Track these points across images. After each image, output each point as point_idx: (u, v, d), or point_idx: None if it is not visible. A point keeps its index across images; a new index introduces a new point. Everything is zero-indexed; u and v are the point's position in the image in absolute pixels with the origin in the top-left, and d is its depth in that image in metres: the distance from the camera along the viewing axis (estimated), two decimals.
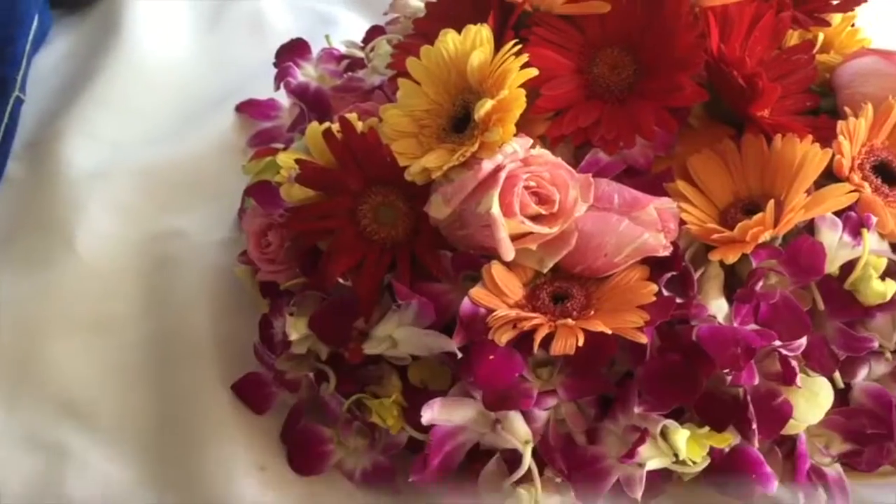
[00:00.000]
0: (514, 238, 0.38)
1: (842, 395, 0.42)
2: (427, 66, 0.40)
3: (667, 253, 0.38)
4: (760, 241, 0.38)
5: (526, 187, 0.37)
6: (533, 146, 0.40)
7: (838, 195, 0.39)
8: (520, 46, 0.39)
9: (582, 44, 0.42)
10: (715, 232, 0.39)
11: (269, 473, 0.41)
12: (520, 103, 0.38)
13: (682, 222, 0.40)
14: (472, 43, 0.39)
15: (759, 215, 0.38)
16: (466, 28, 0.40)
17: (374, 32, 0.54)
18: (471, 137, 0.39)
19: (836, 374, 0.41)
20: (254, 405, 0.43)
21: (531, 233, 0.38)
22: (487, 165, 0.37)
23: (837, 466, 0.41)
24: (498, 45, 0.40)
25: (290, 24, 0.70)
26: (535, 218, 0.38)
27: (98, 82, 0.61)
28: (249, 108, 0.58)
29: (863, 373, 0.42)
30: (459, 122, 0.40)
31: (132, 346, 0.46)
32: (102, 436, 0.42)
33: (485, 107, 0.38)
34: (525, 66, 0.39)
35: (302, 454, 0.41)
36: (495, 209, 0.36)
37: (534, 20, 0.42)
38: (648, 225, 0.38)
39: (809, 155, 0.40)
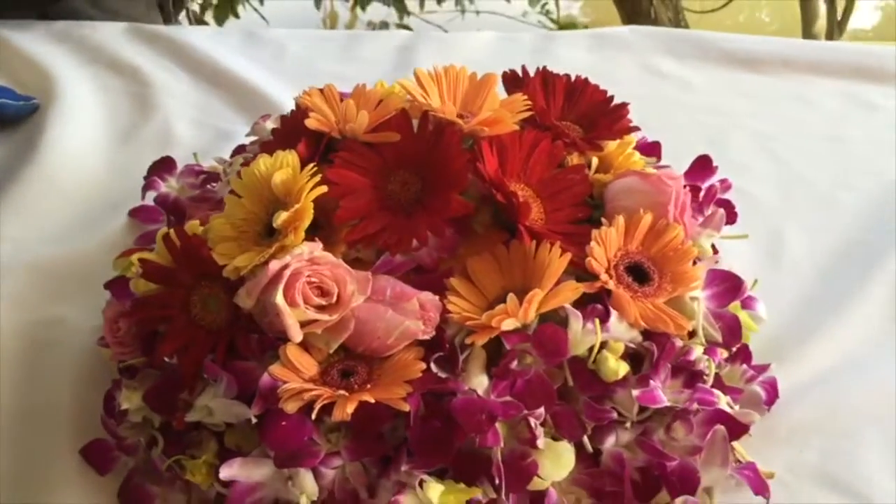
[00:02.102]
0: (304, 324, 0.46)
1: (596, 460, 0.50)
2: (245, 183, 0.50)
3: (427, 337, 0.47)
4: (506, 328, 0.47)
5: (309, 283, 0.46)
6: (336, 250, 0.49)
7: (567, 291, 0.48)
8: (316, 168, 0.48)
9: (380, 165, 0.52)
10: (469, 319, 0.47)
11: None
12: (308, 214, 0.47)
13: (449, 312, 0.48)
14: (279, 164, 0.49)
15: (502, 306, 0.47)
16: (276, 153, 0.49)
17: (238, 151, 0.64)
18: (275, 242, 0.48)
19: (586, 440, 0.49)
20: (98, 467, 0.51)
21: (316, 320, 0.46)
22: (274, 265, 0.45)
23: None
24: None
25: (194, 139, 0.80)
26: (319, 308, 0.46)
27: (12, 190, 0.71)
28: (139, 213, 0.68)
29: (610, 440, 0.49)
30: (273, 229, 0.49)
31: (4, 414, 0.53)
32: None
33: (281, 217, 0.47)
34: (325, 183, 0.48)
35: None
36: (279, 300, 0.45)
37: (341, 146, 0.52)
38: (410, 314, 0.46)
39: (553, 258, 0.49)
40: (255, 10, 2.20)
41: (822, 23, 2.28)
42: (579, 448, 0.49)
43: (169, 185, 0.63)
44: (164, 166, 0.64)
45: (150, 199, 0.68)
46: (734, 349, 0.56)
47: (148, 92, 0.87)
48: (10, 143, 0.78)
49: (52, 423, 0.53)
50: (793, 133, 0.85)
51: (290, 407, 0.45)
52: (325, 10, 2.36)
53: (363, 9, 2.30)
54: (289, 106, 0.85)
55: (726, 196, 0.66)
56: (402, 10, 2.25)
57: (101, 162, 0.77)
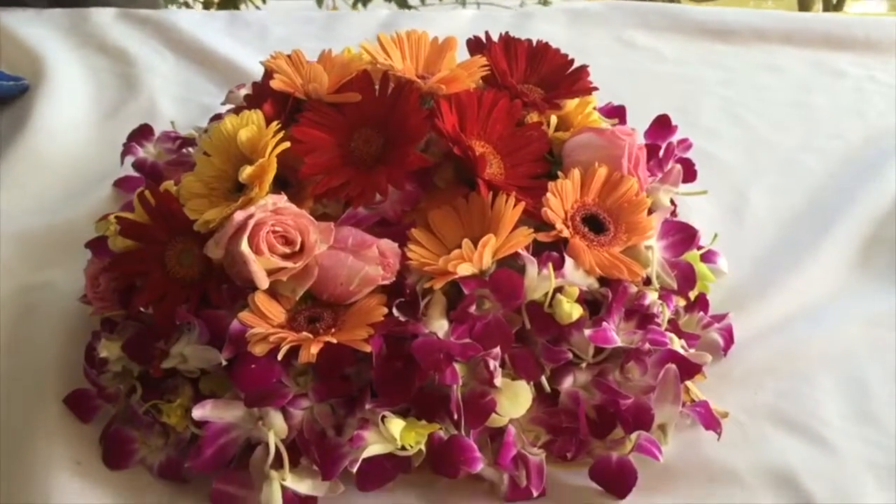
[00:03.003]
0: (270, 272, 0.49)
1: (554, 400, 0.52)
2: (213, 142, 0.52)
3: (387, 282, 0.49)
4: (462, 272, 0.49)
5: (273, 231, 0.48)
6: (304, 205, 0.51)
7: (520, 236, 0.50)
8: (280, 125, 0.51)
9: (343, 124, 0.54)
10: (428, 265, 0.50)
11: (84, 467, 0.50)
12: (272, 167, 0.49)
13: (409, 259, 0.51)
14: (245, 123, 0.51)
15: (458, 251, 0.49)
16: (242, 112, 0.52)
17: (215, 118, 0.67)
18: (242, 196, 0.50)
19: (543, 380, 0.51)
20: (81, 415, 0.53)
21: (282, 267, 0.49)
22: (239, 215, 0.48)
23: (541, 455, 0.50)
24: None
25: (178, 114, 0.82)
26: (284, 255, 0.49)
27: (1, 165, 0.73)
28: (124, 184, 0.70)
29: (568, 380, 0.51)
30: (241, 185, 0.51)
31: None
32: None
33: (246, 171, 0.49)
34: (291, 141, 0.51)
35: (112, 452, 0.51)
36: (244, 247, 0.47)
37: (306, 106, 0.54)
38: (370, 260, 0.49)
39: (508, 207, 0.51)
40: (258, 7, 2.22)
41: (818, 8, 2.31)
42: (539, 389, 0.51)
43: (146, 151, 0.65)
44: (141, 133, 0.67)
45: (128, 164, 0.71)
46: (693, 299, 0.59)
47: (134, 72, 0.90)
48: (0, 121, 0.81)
49: (39, 379, 0.55)
50: (761, 100, 0.87)
51: (258, 350, 0.47)
52: (327, 8, 2.39)
53: (364, 6, 2.32)
54: None
55: (688, 155, 0.68)
56: (403, 5, 2.27)
57: (88, 138, 0.79)
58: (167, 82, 0.89)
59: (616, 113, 0.69)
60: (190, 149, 0.62)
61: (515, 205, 0.51)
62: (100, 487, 0.49)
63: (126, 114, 0.83)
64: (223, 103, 0.67)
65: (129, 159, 0.67)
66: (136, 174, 0.70)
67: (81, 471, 0.50)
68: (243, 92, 0.65)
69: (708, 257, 0.64)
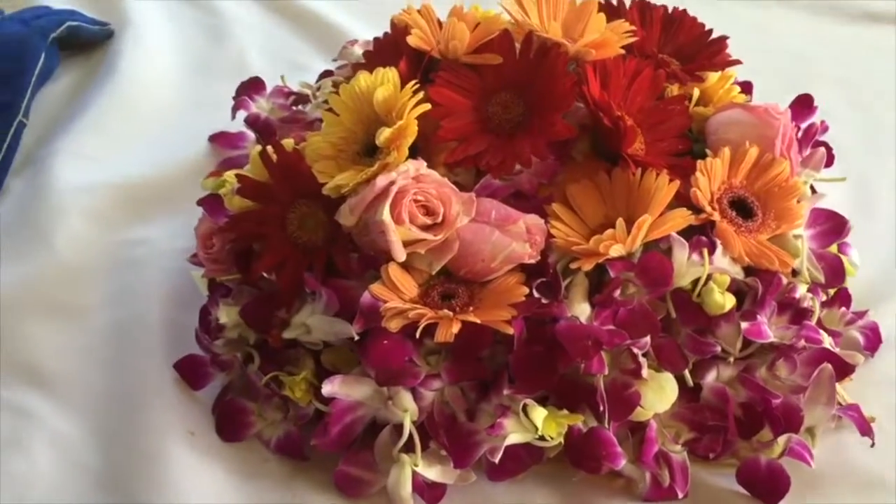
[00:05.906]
0: (407, 244, 0.45)
1: (696, 395, 0.48)
2: (344, 101, 0.49)
3: (532, 261, 0.46)
4: (613, 254, 0.46)
5: (414, 200, 0.45)
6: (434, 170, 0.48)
7: (678, 218, 0.46)
8: (418, 85, 0.47)
9: (480, 87, 0.50)
10: (575, 244, 0.46)
11: (197, 438, 0.48)
12: (412, 131, 0.46)
13: (552, 237, 0.47)
14: (381, 81, 0.48)
15: (610, 231, 0.46)
16: (376, 70, 0.48)
17: (325, 75, 0.63)
18: (376, 160, 0.47)
19: (687, 374, 0.48)
20: (192, 382, 0.50)
21: (421, 239, 0.45)
22: (381, 181, 0.44)
23: (684, 453, 0.47)
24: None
25: (268, 70, 0.79)
26: (424, 227, 0.45)
27: (92, 112, 0.71)
28: (220, 139, 0.67)
29: (711, 375, 0.48)
30: (372, 148, 0.48)
31: (95, 329, 0.53)
32: (60, 400, 0.49)
33: (384, 134, 0.46)
34: (427, 102, 0.47)
35: (226, 423, 0.49)
36: (385, 216, 0.44)
37: (442, 66, 0.51)
38: (517, 236, 0.45)
39: (660, 186, 0.47)
40: None
41: None
42: (679, 382, 0.48)
43: (258, 106, 0.62)
44: (252, 86, 0.64)
45: (217, 117, 0.68)
46: (832, 292, 0.55)
47: (220, 23, 0.87)
48: (86, 68, 0.78)
49: (142, 340, 0.53)
50: (876, 80, 0.83)
51: (394, 325, 0.44)
52: None
53: None
54: (361, 37, 0.85)
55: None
56: None
57: (177, 90, 0.76)
58: (254, 35, 0.85)
59: (744, 89, 0.65)
60: (302, 106, 0.59)
61: (669, 183, 0.47)
62: (215, 461, 0.47)
63: (214, 67, 0.80)
64: (335, 59, 0.63)
65: (241, 114, 0.64)
66: (230, 130, 0.67)
67: (195, 442, 0.47)
68: (357, 48, 0.61)
69: (841, 249, 0.60)
